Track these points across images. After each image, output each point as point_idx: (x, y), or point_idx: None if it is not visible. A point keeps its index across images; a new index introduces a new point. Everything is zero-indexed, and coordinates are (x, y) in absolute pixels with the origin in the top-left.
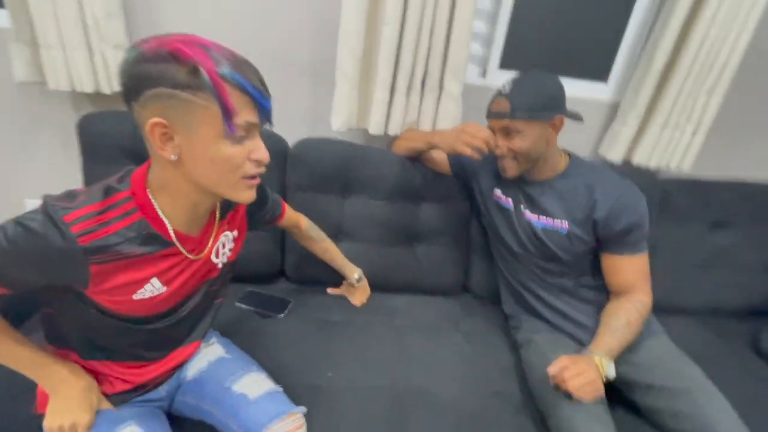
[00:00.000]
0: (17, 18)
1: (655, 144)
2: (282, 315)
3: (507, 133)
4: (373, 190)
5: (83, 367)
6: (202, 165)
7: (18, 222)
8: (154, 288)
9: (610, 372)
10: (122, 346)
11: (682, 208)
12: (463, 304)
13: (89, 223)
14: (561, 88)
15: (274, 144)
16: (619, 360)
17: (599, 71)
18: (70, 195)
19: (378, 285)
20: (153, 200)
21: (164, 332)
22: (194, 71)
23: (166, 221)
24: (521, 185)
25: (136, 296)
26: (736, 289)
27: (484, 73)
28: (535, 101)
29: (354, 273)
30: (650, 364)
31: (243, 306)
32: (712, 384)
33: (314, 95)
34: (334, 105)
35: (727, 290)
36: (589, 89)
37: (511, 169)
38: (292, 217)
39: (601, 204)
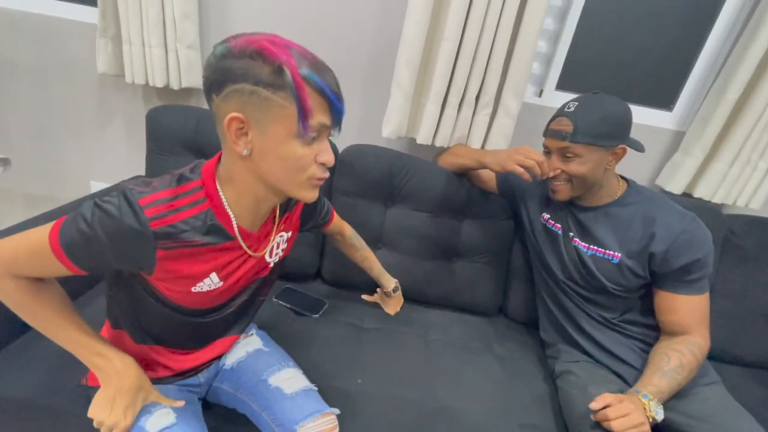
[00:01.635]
0: (106, 15)
1: (722, 178)
2: (317, 315)
3: (564, 154)
4: (416, 201)
5: (132, 350)
6: (271, 162)
7: (96, 204)
8: (212, 282)
9: (658, 416)
10: (171, 334)
11: (748, 248)
12: (499, 327)
13: (161, 208)
14: (628, 116)
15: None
16: (669, 406)
17: (663, 99)
18: (144, 180)
19: (413, 297)
20: (221, 192)
21: (210, 325)
22: (278, 70)
23: (231, 214)
24: (572, 210)
25: (194, 288)
26: None
27: (540, 93)
28: (599, 126)
29: (390, 283)
30: (703, 416)
31: (280, 302)
32: None
33: (367, 102)
34: (386, 113)
35: None
36: (650, 116)
37: (562, 192)
38: (338, 223)
39: (661, 237)
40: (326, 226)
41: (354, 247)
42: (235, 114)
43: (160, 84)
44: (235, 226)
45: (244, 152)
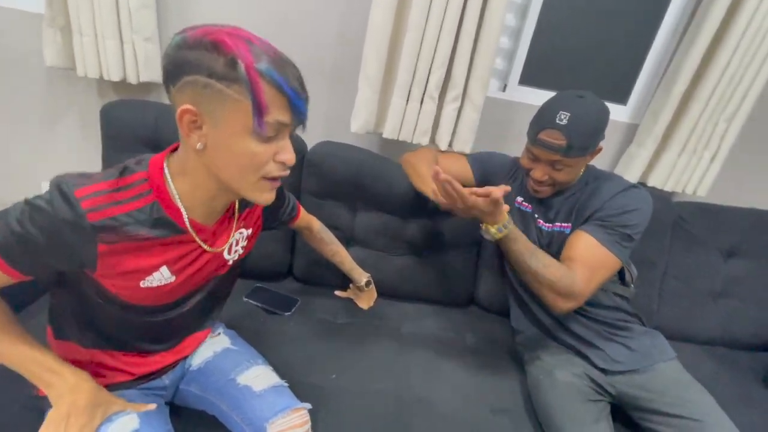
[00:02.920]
0: (53, 4)
1: (671, 168)
2: (289, 313)
3: (553, 164)
4: (385, 202)
5: (81, 360)
6: (225, 158)
7: (27, 201)
8: (162, 276)
9: (491, 231)
10: (124, 336)
11: (696, 233)
12: (470, 317)
13: (100, 200)
14: (608, 117)
15: (294, 144)
16: (630, 383)
17: (619, 93)
18: (85, 174)
19: (386, 292)
20: (171, 184)
21: (166, 324)
22: (232, 63)
23: (181, 207)
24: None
25: (143, 283)
26: (747, 321)
27: (504, 88)
28: (590, 139)
29: (363, 277)
30: (661, 390)
31: (250, 301)
32: (724, 415)
33: (333, 98)
34: (354, 108)
35: (739, 322)
36: None
37: (544, 192)
38: (305, 219)
39: (601, 200)
40: (293, 221)
41: (323, 241)
42: (187, 106)
43: (115, 78)
44: (186, 219)
45: (198, 146)
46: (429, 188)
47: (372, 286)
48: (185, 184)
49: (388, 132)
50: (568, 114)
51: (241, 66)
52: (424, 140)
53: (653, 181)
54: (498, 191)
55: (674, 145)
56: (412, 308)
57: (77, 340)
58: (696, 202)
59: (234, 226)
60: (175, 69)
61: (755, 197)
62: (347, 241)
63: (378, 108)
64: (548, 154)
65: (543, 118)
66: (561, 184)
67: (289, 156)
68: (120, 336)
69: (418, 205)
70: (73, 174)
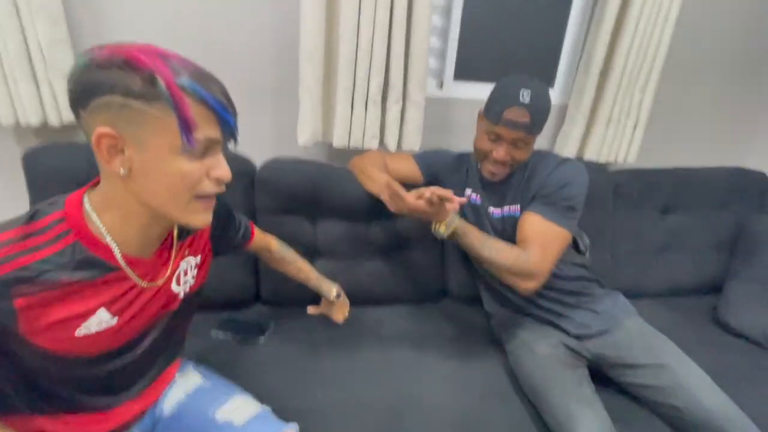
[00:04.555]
0: None
1: (602, 140)
2: (262, 339)
3: (515, 143)
4: (344, 209)
5: (30, 429)
6: (154, 181)
7: None
8: (101, 320)
9: (441, 230)
10: (76, 394)
11: (633, 197)
12: (445, 309)
13: (6, 251)
14: None
15: (241, 165)
16: (601, 344)
17: (545, 77)
18: None
19: (358, 299)
20: (96, 220)
21: (121, 372)
22: (150, 80)
23: (110, 243)
24: (485, 183)
25: (80, 332)
26: (690, 268)
27: (441, 85)
28: (546, 115)
29: (332, 289)
30: (629, 344)
31: (219, 334)
32: (686, 356)
33: (278, 114)
34: (299, 121)
35: (683, 271)
36: None
37: (502, 174)
38: (261, 240)
39: (540, 178)
40: (247, 244)
41: (285, 260)
42: (104, 129)
43: (35, 122)
44: (117, 254)
45: (121, 171)
46: (376, 188)
47: (343, 297)
48: (113, 218)
49: (338, 141)
50: (529, 91)
51: (161, 82)
52: (374, 144)
53: (589, 155)
54: (427, 191)
55: (601, 120)
56: (388, 311)
57: (21, 410)
58: (629, 168)
59: (174, 255)
60: (84, 91)
61: (677, 156)
62: (311, 254)
63: (323, 118)
64: (513, 133)
65: (506, 97)
66: (517, 163)
67: (224, 171)
68: (71, 395)
69: (377, 207)
70: None
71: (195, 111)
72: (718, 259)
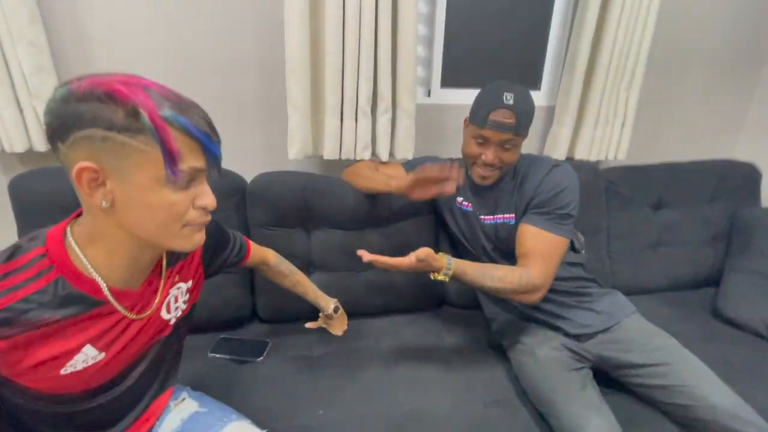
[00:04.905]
0: None
1: (591, 140)
2: (260, 358)
3: (503, 145)
4: (338, 219)
5: None
6: (139, 213)
7: None
8: (87, 357)
9: (440, 276)
10: (62, 430)
11: (626, 194)
12: (444, 317)
13: None
14: None
15: (232, 182)
16: (602, 344)
17: (531, 80)
18: None
19: (357, 312)
20: (80, 254)
21: (112, 405)
22: (133, 113)
23: (95, 276)
24: (476, 190)
25: (65, 370)
26: (685, 262)
27: (429, 93)
28: (531, 117)
29: (330, 304)
30: (630, 344)
31: (217, 356)
32: (689, 353)
33: (267, 130)
34: (288, 135)
35: (680, 265)
36: None
37: (491, 177)
38: (258, 254)
39: (532, 186)
40: (244, 261)
41: (282, 273)
42: (85, 164)
43: (19, 149)
44: (104, 287)
45: (104, 204)
46: (379, 183)
47: (341, 311)
48: (98, 250)
49: (328, 153)
50: (512, 94)
51: (144, 115)
52: (366, 155)
53: (579, 155)
54: (415, 254)
55: (589, 119)
56: (387, 322)
57: None
58: (619, 166)
59: (163, 283)
60: (63, 125)
61: (667, 151)
62: (307, 267)
63: (312, 131)
64: (499, 134)
65: (490, 101)
66: (506, 166)
67: (209, 200)
68: (58, 431)
69: (371, 214)
70: None
71: (179, 142)
72: (713, 251)
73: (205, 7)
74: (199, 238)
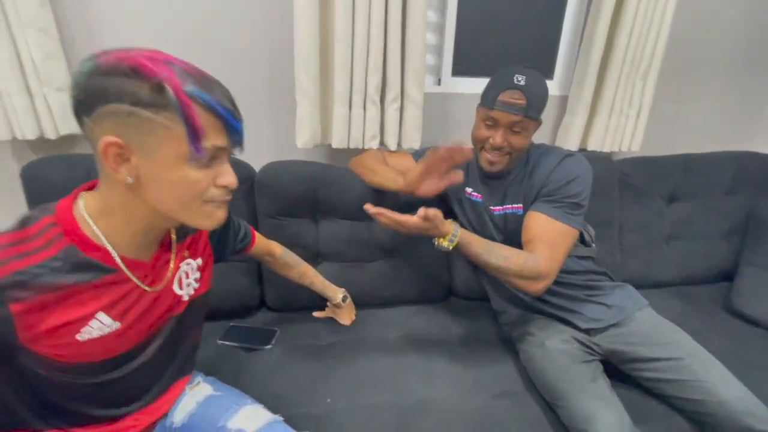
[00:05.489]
0: None
1: (605, 130)
2: (269, 346)
3: (513, 128)
4: (345, 209)
5: None
6: (162, 189)
7: None
8: (102, 324)
9: (444, 244)
10: (83, 404)
11: (639, 186)
12: (452, 308)
13: (0, 255)
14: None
15: (241, 171)
16: (613, 338)
17: (544, 69)
18: None
19: (365, 301)
20: (91, 223)
21: (129, 380)
22: (159, 88)
23: (106, 245)
24: (485, 180)
25: (80, 336)
26: (701, 256)
27: (439, 82)
28: (543, 101)
29: (338, 293)
30: (642, 338)
31: (226, 343)
32: (701, 348)
33: (276, 118)
34: (297, 123)
35: (693, 259)
36: None
37: (501, 163)
38: (263, 244)
39: (542, 176)
40: (247, 249)
41: (288, 265)
42: (111, 138)
43: (31, 136)
44: (115, 256)
45: (128, 179)
46: (387, 179)
47: (349, 301)
48: (112, 221)
49: (337, 142)
50: (524, 76)
51: (170, 90)
52: (374, 144)
53: (592, 145)
54: (424, 211)
55: (603, 109)
56: (394, 313)
57: (30, 424)
58: (633, 157)
59: (174, 256)
60: (89, 99)
61: (681, 142)
62: (315, 257)
63: (321, 120)
64: (509, 116)
65: (501, 82)
66: (515, 152)
67: (231, 179)
68: (78, 407)
69: (379, 204)
70: None
71: (203, 119)
72: (728, 245)
73: None
74: (220, 216)
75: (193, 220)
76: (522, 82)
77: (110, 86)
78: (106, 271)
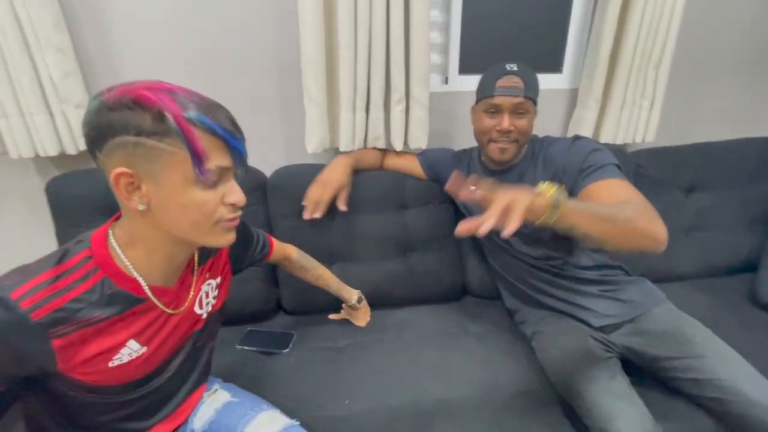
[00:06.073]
0: None
1: (617, 122)
2: (287, 350)
3: (517, 111)
4: (357, 205)
5: None
6: (173, 213)
7: None
8: (132, 351)
9: (554, 202)
10: (112, 421)
11: (656, 177)
12: (467, 307)
13: (41, 295)
14: None
15: (252, 177)
16: (629, 335)
17: (553, 63)
18: (22, 270)
19: (379, 302)
20: (121, 254)
21: (154, 395)
22: (159, 117)
23: (137, 276)
24: (491, 177)
25: (112, 363)
26: (722, 247)
27: (446, 81)
28: (537, 83)
29: (353, 295)
30: (659, 335)
31: (244, 348)
32: (723, 344)
33: (286, 124)
34: (306, 130)
35: (715, 250)
36: (546, 81)
37: (510, 151)
38: (280, 250)
39: (559, 164)
40: (267, 257)
41: (305, 268)
42: (121, 169)
43: (53, 152)
44: (145, 286)
45: (140, 207)
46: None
47: (364, 302)
48: (139, 251)
49: (344, 145)
50: (514, 64)
51: (170, 118)
52: (380, 144)
53: (605, 138)
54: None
55: (615, 101)
56: (409, 313)
57: None
58: (648, 148)
59: (195, 280)
60: (99, 134)
61: (697, 132)
62: (330, 258)
63: (329, 125)
64: (510, 99)
65: (495, 72)
66: (522, 137)
67: (238, 197)
68: (108, 423)
69: (389, 200)
70: (7, 274)
71: (204, 142)
72: (751, 235)
73: (224, 9)
74: (230, 237)
75: (207, 240)
76: (515, 68)
77: (116, 120)
78: (137, 302)
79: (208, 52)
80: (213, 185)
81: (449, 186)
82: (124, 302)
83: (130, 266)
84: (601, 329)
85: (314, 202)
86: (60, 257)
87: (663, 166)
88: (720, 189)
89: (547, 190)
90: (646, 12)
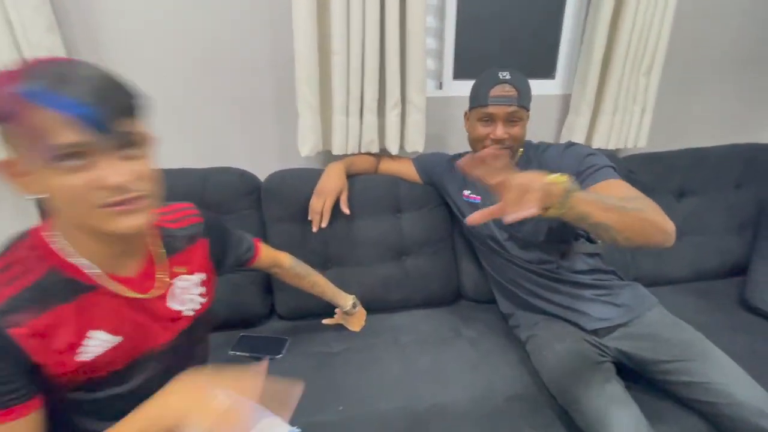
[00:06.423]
0: None
1: (609, 128)
2: (280, 355)
3: (510, 119)
4: (352, 210)
5: None
6: (54, 200)
7: None
8: (102, 341)
9: (567, 188)
10: (96, 420)
11: (647, 182)
12: (461, 311)
13: None
14: None
15: (246, 181)
16: (622, 339)
17: (545, 69)
18: None
19: (374, 307)
20: (64, 242)
21: (140, 394)
22: None
23: (81, 262)
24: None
25: (79, 357)
26: (712, 251)
27: (440, 86)
28: (529, 91)
29: (348, 300)
30: (651, 339)
31: (237, 353)
32: (714, 347)
33: (279, 128)
34: (299, 133)
35: (705, 254)
36: (539, 87)
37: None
38: (269, 256)
39: (551, 159)
40: (251, 262)
41: (299, 276)
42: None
43: None
44: (91, 273)
45: (28, 196)
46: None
47: (359, 307)
48: (78, 239)
49: (337, 149)
50: (507, 72)
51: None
52: (373, 148)
53: (597, 143)
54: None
55: (607, 107)
56: (404, 317)
57: None
58: (639, 153)
59: (163, 273)
60: None
61: (688, 137)
62: (324, 262)
63: (323, 129)
64: (504, 107)
65: (487, 80)
66: (516, 143)
67: (112, 179)
68: (101, 425)
69: (384, 204)
70: None
71: (47, 118)
72: (740, 239)
73: (217, 13)
74: (130, 221)
75: (102, 226)
76: (507, 76)
77: None
78: (88, 289)
79: (202, 57)
80: (81, 167)
81: (463, 163)
82: (74, 289)
83: (73, 252)
84: (594, 333)
85: (318, 213)
86: (5, 249)
87: (654, 171)
88: (709, 194)
89: (558, 178)
90: (637, 19)
